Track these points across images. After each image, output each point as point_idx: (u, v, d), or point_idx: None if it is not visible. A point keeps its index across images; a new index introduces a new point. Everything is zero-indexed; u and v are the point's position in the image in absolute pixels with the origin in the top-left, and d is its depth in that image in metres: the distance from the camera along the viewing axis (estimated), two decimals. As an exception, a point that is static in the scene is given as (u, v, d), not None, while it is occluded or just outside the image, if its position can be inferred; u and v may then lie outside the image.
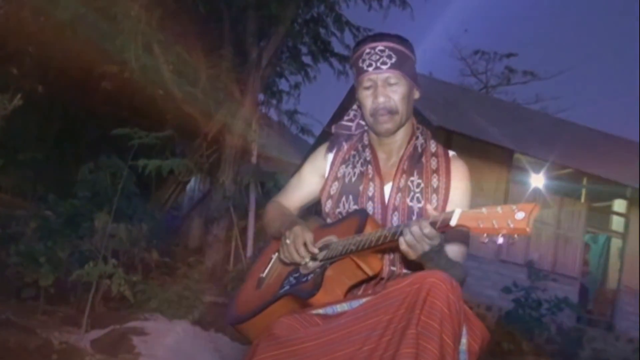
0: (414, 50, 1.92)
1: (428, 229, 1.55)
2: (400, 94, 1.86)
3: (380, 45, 1.85)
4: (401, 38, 1.89)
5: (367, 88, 1.87)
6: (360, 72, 1.88)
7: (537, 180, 10.55)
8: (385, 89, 1.85)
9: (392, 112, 1.85)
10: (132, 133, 4.71)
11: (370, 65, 1.85)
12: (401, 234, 1.60)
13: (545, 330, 8.20)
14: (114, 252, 5.13)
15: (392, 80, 1.85)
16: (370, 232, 1.68)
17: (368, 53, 1.85)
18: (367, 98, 1.88)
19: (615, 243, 12.00)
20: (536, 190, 10.50)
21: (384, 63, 1.84)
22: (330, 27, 10.21)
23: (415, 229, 1.56)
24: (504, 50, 22.31)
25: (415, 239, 1.56)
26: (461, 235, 1.81)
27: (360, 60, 1.87)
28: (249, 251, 8.24)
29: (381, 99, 1.84)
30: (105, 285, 4.68)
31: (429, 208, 1.62)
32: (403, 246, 1.59)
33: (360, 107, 1.95)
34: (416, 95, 1.93)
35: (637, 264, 10.70)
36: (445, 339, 1.43)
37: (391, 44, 1.85)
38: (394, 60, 1.84)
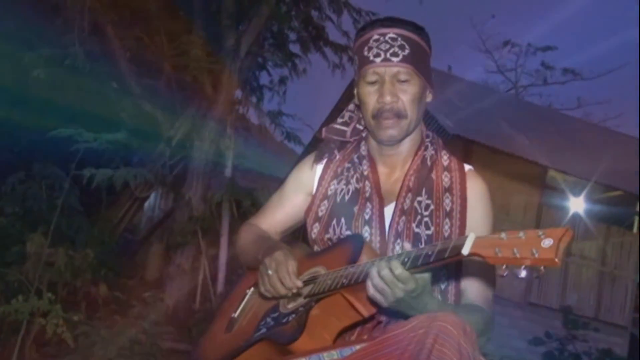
0: (431, 42, 1.95)
1: (399, 270, 1.55)
2: (411, 95, 1.88)
3: (391, 33, 1.87)
4: (417, 26, 1.92)
5: (372, 83, 1.89)
6: (364, 62, 1.89)
7: (577, 204, 10.56)
8: (393, 87, 1.87)
9: (399, 115, 1.88)
10: (75, 135, 4.72)
11: (377, 55, 1.87)
12: (367, 275, 1.61)
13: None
14: (51, 284, 5.10)
15: (403, 77, 1.87)
16: (366, 263, 1.69)
17: (376, 40, 1.87)
18: (370, 95, 1.90)
19: (677, 284, 11.97)
20: (575, 217, 10.51)
21: (394, 54, 1.86)
22: (324, 8, 10.22)
23: (385, 272, 1.57)
24: (539, 42, 22.56)
25: (385, 283, 1.57)
26: (483, 271, 1.82)
27: (366, 48, 1.89)
28: (220, 286, 8.22)
29: (387, 98, 1.86)
30: (39, 326, 4.65)
31: None
32: (371, 291, 1.60)
33: (359, 106, 1.97)
34: (429, 97, 1.97)
35: None
36: (455, 398, 1.43)
37: (405, 32, 1.88)
38: (406, 52, 1.86)
